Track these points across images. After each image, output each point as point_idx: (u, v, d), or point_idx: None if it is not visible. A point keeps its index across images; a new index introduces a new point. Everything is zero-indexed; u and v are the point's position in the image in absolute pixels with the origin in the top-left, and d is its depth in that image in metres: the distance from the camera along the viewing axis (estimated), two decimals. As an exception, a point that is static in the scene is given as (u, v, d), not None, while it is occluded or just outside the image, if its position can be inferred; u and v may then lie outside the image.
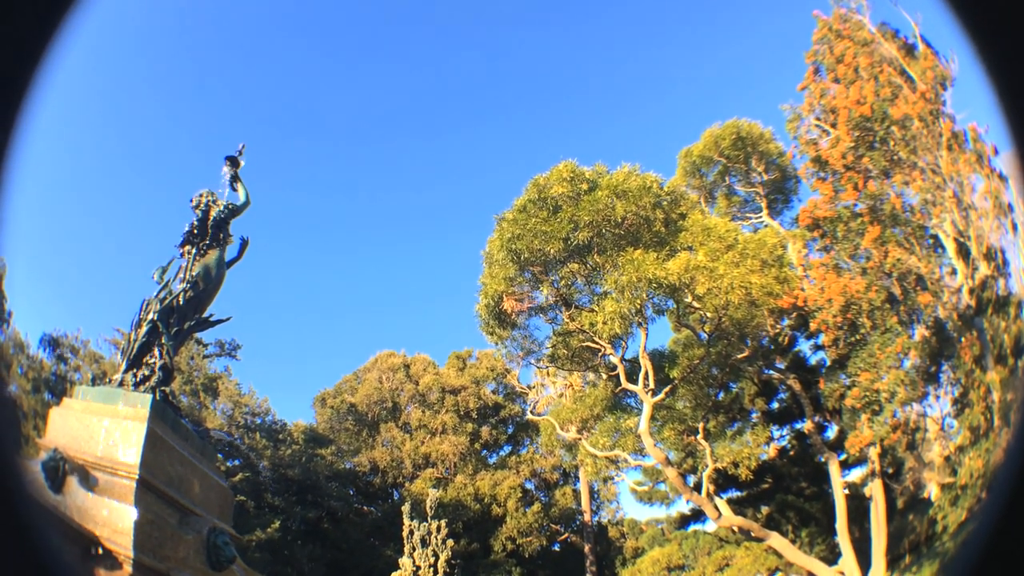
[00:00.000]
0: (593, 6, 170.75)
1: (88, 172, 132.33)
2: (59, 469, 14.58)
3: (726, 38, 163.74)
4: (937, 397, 43.60)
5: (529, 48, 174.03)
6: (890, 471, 45.51)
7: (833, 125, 44.50)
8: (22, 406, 51.83)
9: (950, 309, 41.07)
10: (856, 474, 52.68)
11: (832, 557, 48.38)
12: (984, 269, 39.57)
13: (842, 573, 43.77)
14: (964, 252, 40.67)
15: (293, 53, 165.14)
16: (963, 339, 39.40)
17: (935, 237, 42.71)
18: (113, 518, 14.37)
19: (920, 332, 42.08)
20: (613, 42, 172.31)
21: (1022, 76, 3.13)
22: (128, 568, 13.95)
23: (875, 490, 44.88)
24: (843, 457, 48.78)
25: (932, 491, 42.43)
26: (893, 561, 43.78)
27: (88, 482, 14.98)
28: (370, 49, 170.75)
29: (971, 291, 40.17)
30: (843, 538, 45.11)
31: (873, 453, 43.99)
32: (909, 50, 44.47)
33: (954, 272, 41.76)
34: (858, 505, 48.67)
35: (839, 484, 47.52)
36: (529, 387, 67.56)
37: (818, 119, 46.27)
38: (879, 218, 42.31)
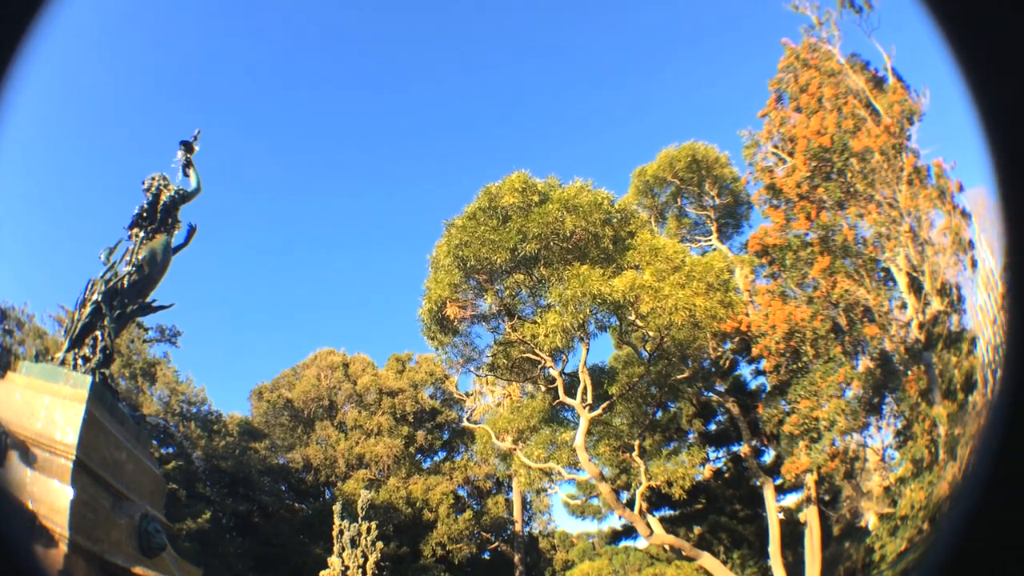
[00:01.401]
0: (565, 26, 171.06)
1: (40, 146, 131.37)
2: (1, 442, 14.48)
3: (689, 62, 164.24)
4: (879, 428, 44.10)
5: (492, 60, 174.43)
6: (826, 498, 46.02)
7: (790, 154, 45.03)
8: None
9: (897, 342, 41.50)
10: (792, 499, 53.15)
11: (762, 579, 48.67)
12: (936, 304, 40.02)
13: (773, 596, 44.10)
14: (916, 287, 41.12)
15: (251, 46, 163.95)
16: (909, 372, 39.91)
17: (887, 270, 43.17)
18: (51, 496, 14.34)
19: (864, 363, 42.54)
20: (578, 60, 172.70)
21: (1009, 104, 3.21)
22: (63, 547, 13.90)
23: (810, 516, 45.41)
24: (779, 482, 49.24)
25: (870, 520, 42.75)
26: (828, 585, 44.13)
27: (28, 458, 14.89)
28: (335, 49, 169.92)
29: (921, 325, 40.63)
30: (775, 561, 45.63)
31: (810, 480, 44.47)
32: (878, 83, 44.82)
33: (904, 306, 42.13)
34: (792, 530, 49.11)
35: (773, 508, 48.08)
36: (467, 394, 67.56)
37: (776, 147, 46.79)
38: (830, 248, 42.83)
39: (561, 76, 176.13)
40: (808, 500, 46.15)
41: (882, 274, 43.63)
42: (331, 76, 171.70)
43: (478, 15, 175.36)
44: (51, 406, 16.09)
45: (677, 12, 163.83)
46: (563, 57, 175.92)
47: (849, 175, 42.67)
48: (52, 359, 19.54)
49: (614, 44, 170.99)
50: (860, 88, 44.03)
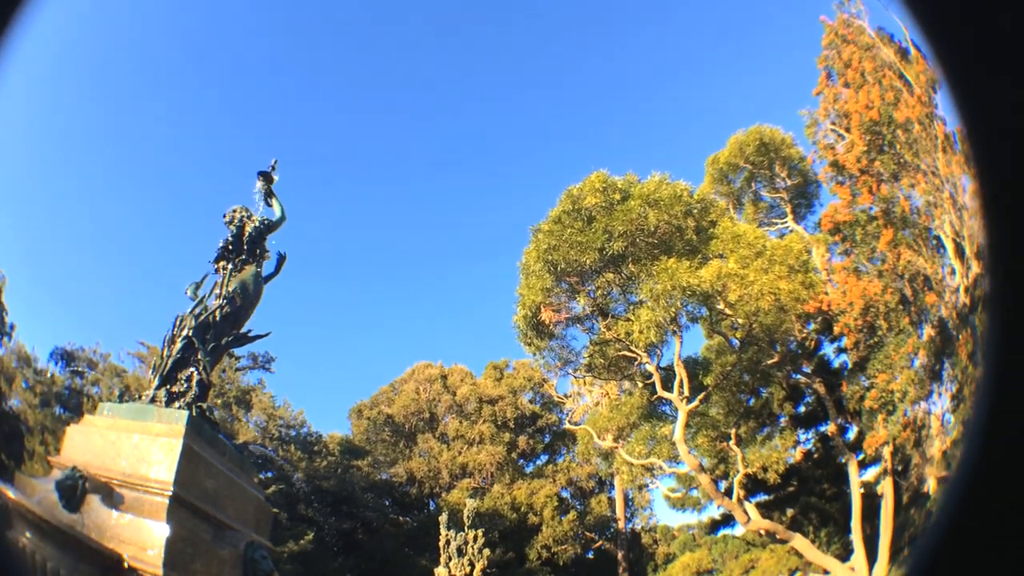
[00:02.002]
0: (612, 21, 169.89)
1: (107, 190, 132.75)
2: (77, 487, 14.08)
3: (747, 43, 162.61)
4: (940, 394, 43.47)
5: (559, 61, 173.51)
6: (899, 468, 45.38)
7: (847, 129, 44.48)
8: (27, 420, 51.85)
9: (950, 308, 40.95)
10: (871, 473, 52.44)
11: (846, 554, 48.31)
12: (976, 268, 39.40)
13: (853, 569, 43.79)
14: (960, 252, 40.57)
15: (340, 66, 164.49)
16: (960, 336, 39.27)
17: (938, 238, 42.58)
18: (141, 536, 13.93)
19: (927, 332, 41.97)
20: (635, 51, 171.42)
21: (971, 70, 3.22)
22: (154, 586, 13.67)
23: (886, 487, 44.93)
24: (861, 457, 48.49)
25: (930, 485, 42.21)
26: (896, 554, 43.58)
27: (112, 500, 14.49)
28: (412, 56, 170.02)
29: (966, 289, 40.01)
30: (856, 535, 45.07)
31: (886, 452, 43.91)
32: (903, 54, 44.27)
33: (953, 272, 41.61)
34: (871, 503, 48.41)
35: (856, 484, 47.52)
36: (566, 396, 67.55)
37: (833, 123, 46.23)
38: (892, 221, 42.38)
39: (619, 74, 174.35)
40: (885, 472, 45.66)
41: (934, 242, 43.13)
42: (420, 88, 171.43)
43: (528, 20, 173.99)
44: (141, 444, 15.66)
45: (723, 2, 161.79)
46: (618, 56, 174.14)
47: (898, 146, 42.31)
48: (140, 397, 19.23)
49: (664, 37, 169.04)
50: (892, 60, 43.58)
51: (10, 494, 13.81)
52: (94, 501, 14.32)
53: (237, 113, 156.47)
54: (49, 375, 59.00)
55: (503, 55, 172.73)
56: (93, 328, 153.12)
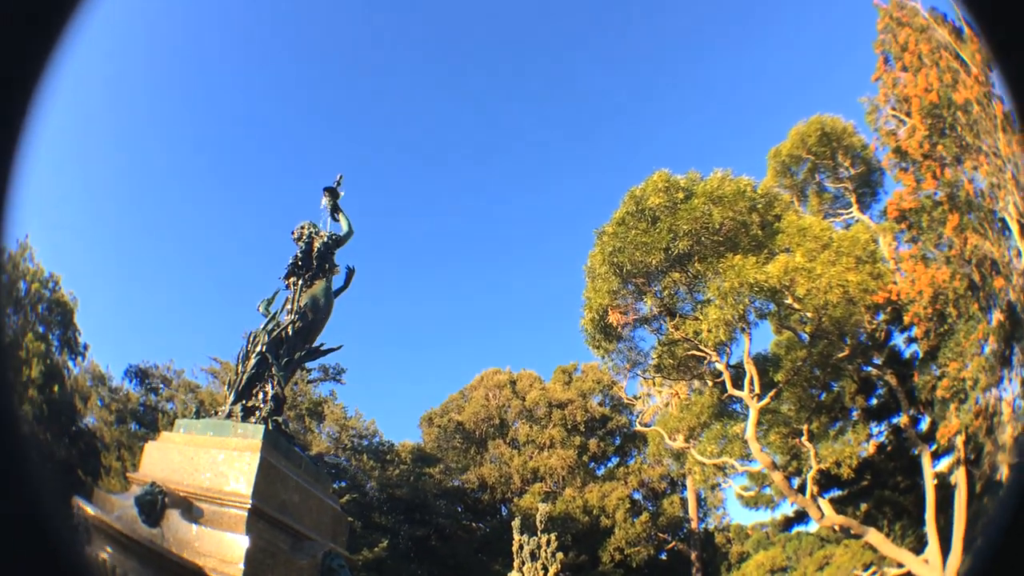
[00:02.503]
0: (669, 16, 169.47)
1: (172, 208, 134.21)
2: (157, 503, 14.38)
3: (799, 34, 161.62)
4: (1010, 380, 43.15)
5: (615, 62, 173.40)
6: (972, 457, 45.11)
7: (908, 114, 44.11)
8: (103, 437, 52.61)
9: (1018, 291, 40.63)
10: (944, 463, 52.11)
11: (920, 547, 47.85)
12: (1044, 248, 39.13)
13: (927, 561, 43.54)
14: (1026, 234, 40.24)
15: (390, 70, 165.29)
16: (1029, 321, 39.03)
17: (1003, 220, 42.23)
18: (222, 548, 14.11)
19: (996, 317, 41.65)
20: (688, 47, 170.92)
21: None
22: (236, 596, 13.88)
23: (959, 477, 44.54)
24: (934, 448, 48.16)
25: (1003, 473, 41.94)
26: (970, 544, 43.28)
27: (192, 514, 14.72)
28: (466, 66, 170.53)
29: (1034, 273, 39.70)
30: (930, 527, 44.81)
31: (959, 441, 43.63)
32: (958, 34, 43.88)
33: (1020, 254, 41.31)
34: (945, 494, 48.06)
35: (930, 475, 47.25)
36: (635, 398, 67.25)
37: (894, 109, 45.83)
38: (957, 205, 41.97)
39: (676, 72, 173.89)
40: (958, 462, 45.20)
41: (999, 224, 42.74)
42: (488, 95, 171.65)
43: (591, 25, 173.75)
44: (219, 459, 15.97)
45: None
46: (678, 53, 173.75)
47: (959, 129, 41.83)
48: (216, 413, 19.46)
49: (715, 29, 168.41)
50: (947, 41, 43.18)
51: (89, 510, 14.10)
52: (173, 516, 14.56)
53: (301, 134, 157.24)
54: (124, 393, 60.25)
55: (567, 56, 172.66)
56: (166, 346, 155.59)
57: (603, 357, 47.74)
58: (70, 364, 55.63)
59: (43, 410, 48.60)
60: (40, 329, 52.32)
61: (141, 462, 17.15)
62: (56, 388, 50.76)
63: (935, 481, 47.39)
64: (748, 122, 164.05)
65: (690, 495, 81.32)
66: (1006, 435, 41.46)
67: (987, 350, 40.70)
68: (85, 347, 55.59)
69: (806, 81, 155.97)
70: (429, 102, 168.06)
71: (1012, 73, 3.23)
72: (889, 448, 59.14)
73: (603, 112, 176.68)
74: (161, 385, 63.14)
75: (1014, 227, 40.64)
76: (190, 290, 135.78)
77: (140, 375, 62.45)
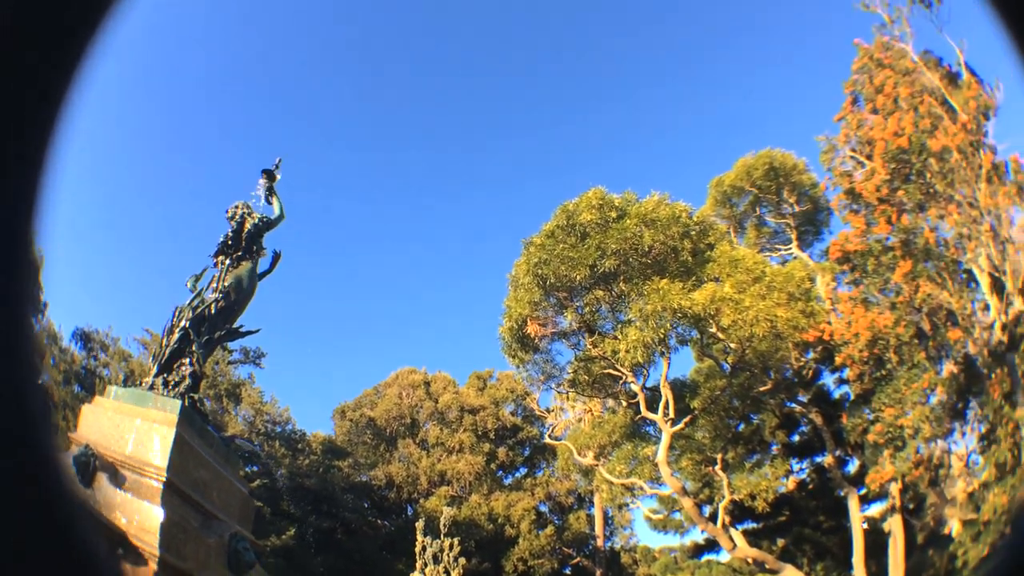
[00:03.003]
0: (629, 31, 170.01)
1: (124, 170, 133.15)
2: (90, 465, 14.99)
3: (761, 68, 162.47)
4: (963, 434, 43.67)
5: (565, 71, 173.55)
6: (911, 507, 45.69)
7: (869, 157, 44.57)
8: (53, 396, 52.73)
9: (981, 345, 41.07)
10: (876, 509, 52.61)
11: (845, 591, 48.53)
12: (1019, 304, 39.51)
13: (856, 607, 43.99)
14: (999, 287, 40.68)
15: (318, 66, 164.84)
16: (993, 375, 39.44)
17: (968, 272, 42.72)
18: (141, 516, 14.75)
19: (948, 368, 42.19)
20: (648, 68, 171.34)
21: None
22: (153, 565, 14.31)
23: (894, 525, 45.17)
24: (863, 492, 48.73)
25: (953, 527, 42.40)
26: (909, 595, 43.94)
27: (117, 480, 15.34)
28: (407, 69, 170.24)
29: (1004, 327, 40.15)
30: (860, 572, 45.49)
31: (894, 488, 44.22)
32: (952, 79, 44.30)
33: (987, 308, 41.82)
34: (876, 540, 48.74)
35: (858, 519, 47.90)
36: (548, 411, 67.56)
37: (853, 150, 46.32)
38: (911, 252, 42.42)
39: (634, 90, 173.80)
40: (892, 509, 45.83)
41: (964, 276, 43.04)
42: (417, 96, 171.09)
43: (541, 36, 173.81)
44: (141, 429, 16.53)
45: (748, 19, 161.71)
46: (633, 71, 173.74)
47: (928, 176, 42.15)
48: (141, 383, 19.87)
49: (682, 56, 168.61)
50: (935, 86, 43.56)
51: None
52: (103, 479, 15.27)
53: (248, 109, 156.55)
54: (70, 354, 60.37)
55: (508, 68, 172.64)
56: (112, 311, 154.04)
57: (519, 367, 47.86)
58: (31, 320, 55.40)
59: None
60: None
61: (79, 424, 17.62)
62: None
63: (865, 526, 48.12)
64: (695, 150, 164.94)
65: (597, 512, 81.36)
66: (957, 490, 42.13)
67: (934, 400, 41.32)
68: (45, 305, 55.72)
69: (760, 116, 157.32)
70: (357, 95, 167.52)
71: None
72: (811, 486, 59.92)
73: (549, 128, 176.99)
74: (100, 350, 63.10)
75: (984, 280, 41.24)
76: (135, 258, 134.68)
77: (84, 338, 62.43)
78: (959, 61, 44.32)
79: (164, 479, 15.57)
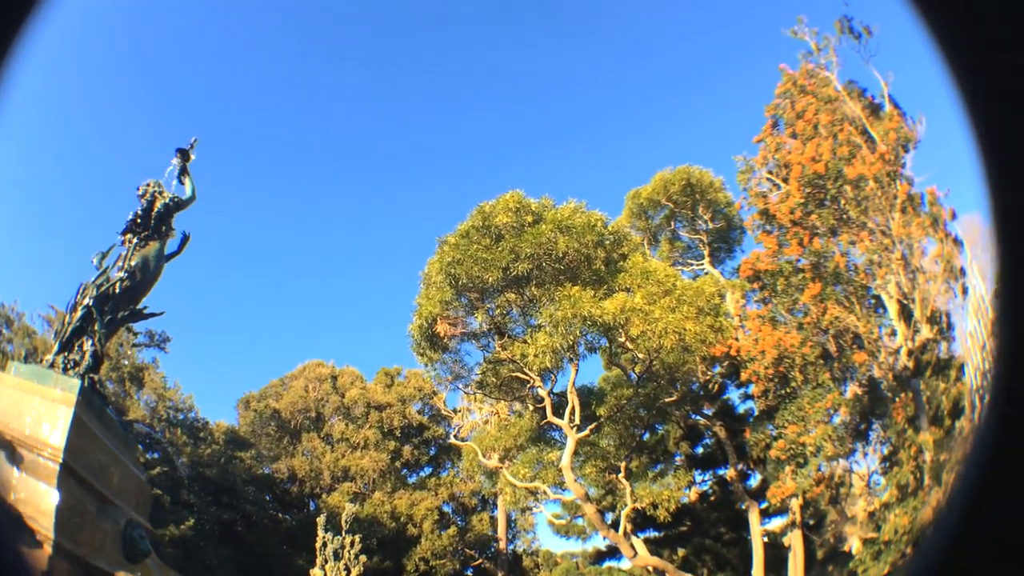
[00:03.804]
0: (561, 37, 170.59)
1: (30, 142, 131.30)
2: (-13, 441, 14.65)
3: (685, 84, 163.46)
4: (865, 454, 44.20)
5: (491, 73, 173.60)
6: (811, 523, 46.12)
7: (785, 180, 45.05)
8: None
9: (886, 369, 41.56)
10: (776, 523, 53.07)
11: (744, 602, 48.82)
12: (926, 332, 40.03)
13: (755, 619, 44.23)
14: (907, 314, 41.17)
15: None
16: (897, 399, 39.87)
17: (877, 298, 43.27)
18: (37, 498, 14.57)
19: (852, 390, 42.73)
20: (574, 75, 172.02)
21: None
22: (48, 549, 14.12)
23: (795, 540, 45.63)
24: (764, 506, 49.40)
25: (853, 545, 42.72)
26: (807, 607, 44.26)
27: (15, 459, 15.13)
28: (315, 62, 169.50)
29: (910, 353, 40.61)
30: (758, 584, 45.45)
31: (795, 504, 44.61)
32: (875, 110, 44.80)
33: (894, 333, 42.22)
34: (776, 554, 49.17)
35: (758, 532, 48.39)
36: (455, 411, 67.51)
37: (770, 173, 46.87)
38: (821, 275, 42.97)
39: (559, 100, 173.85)
40: (793, 524, 46.27)
41: (872, 301, 43.73)
42: (334, 88, 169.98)
43: (477, 39, 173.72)
44: (40, 408, 16.29)
45: (676, 37, 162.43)
46: (561, 81, 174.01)
47: (843, 202, 42.68)
48: (42, 361, 19.79)
49: (614, 70, 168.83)
50: (856, 115, 43.97)
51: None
52: (1, 457, 14.84)
53: (165, 77, 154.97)
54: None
55: (440, 61, 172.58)
56: (12, 285, 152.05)
57: (427, 365, 47.61)
58: None
59: None
60: None
61: (-23, 399, 17.11)
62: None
63: (765, 539, 48.50)
64: (614, 161, 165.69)
65: (500, 515, 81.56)
66: (857, 508, 42.53)
67: (837, 420, 41.74)
68: None
69: (679, 132, 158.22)
70: (282, 97, 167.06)
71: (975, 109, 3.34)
72: (713, 498, 60.43)
73: (473, 128, 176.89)
74: (4, 327, 62.17)
75: (892, 306, 41.90)
76: (42, 230, 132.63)
77: (-12, 312, 61.50)
78: (883, 93, 44.98)
79: (61, 460, 15.40)
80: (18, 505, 14.24)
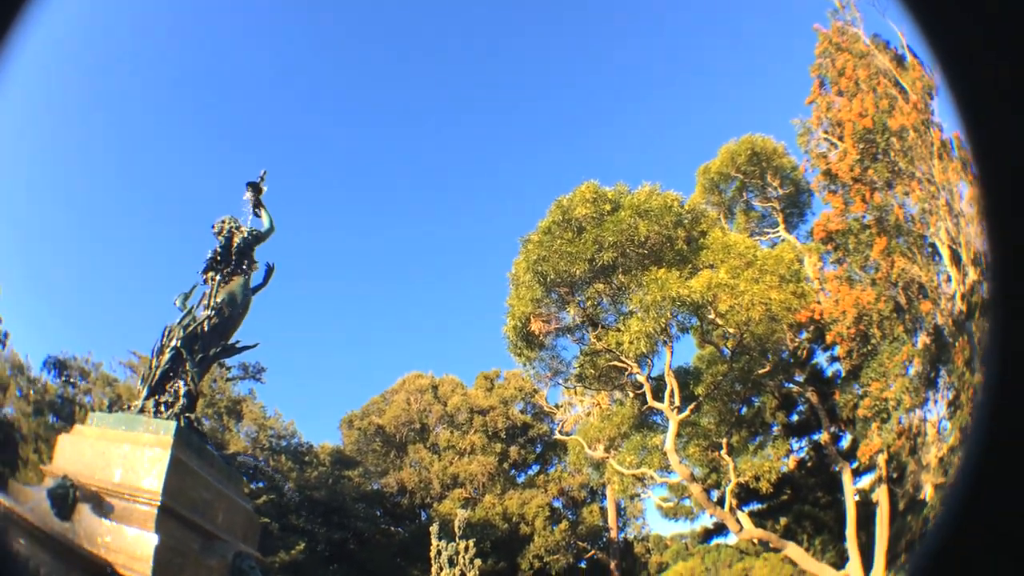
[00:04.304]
0: (605, 26, 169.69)
1: (105, 200, 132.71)
2: (68, 496, 14.34)
3: (737, 53, 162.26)
4: (935, 402, 43.54)
5: (548, 69, 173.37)
6: (895, 476, 45.47)
7: (840, 138, 44.51)
8: (20, 428, 52.03)
9: (947, 315, 41.03)
10: (866, 481, 52.52)
11: (841, 562, 48.26)
12: (972, 274, 39.43)
13: (848, 576, 43.71)
14: (956, 259, 40.63)
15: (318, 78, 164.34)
16: (956, 344, 39.34)
17: (933, 245, 42.68)
18: (130, 545, 14.15)
19: (922, 340, 42.08)
20: (627, 60, 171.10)
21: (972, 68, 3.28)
22: (145, 593, 13.79)
23: (881, 495, 44.92)
24: (855, 465, 48.78)
25: (927, 492, 42.21)
26: (892, 560, 43.58)
27: (102, 509, 14.75)
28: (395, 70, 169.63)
29: (963, 296, 40.06)
30: (851, 543, 45.26)
31: (881, 460, 43.95)
32: (899, 61, 44.35)
33: (949, 279, 41.68)
34: (866, 511, 48.47)
35: (851, 492, 47.85)
36: (557, 407, 67.28)
37: (826, 132, 46.35)
38: (885, 229, 42.54)
39: (614, 85, 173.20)
40: (879, 480, 45.60)
41: (929, 250, 43.23)
42: (411, 93, 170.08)
43: (521, 34, 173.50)
44: (130, 454, 15.90)
45: (716, 11, 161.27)
46: (612, 66, 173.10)
47: (892, 154, 42.38)
48: (129, 408, 19.47)
49: (659, 48, 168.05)
50: (887, 67, 43.56)
51: (3, 501, 14.00)
52: (85, 510, 14.52)
53: (230, 120, 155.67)
54: (42, 384, 59.30)
55: (495, 61, 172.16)
56: (87, 337, 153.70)
57: (525, 365, 47.75)
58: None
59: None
60: (-48, 317, 51.64)
61: (55, 455, 17.12)
62: (-27, 376, 49.82)
63: (857, 498, 47.87)
64: (681, 139, 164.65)
65: (610, 505, 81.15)
66: (930, 455, 41.85)
67: (911, 372, 41.20)
68: (6, 335, 55.02)
69: (740, 101, 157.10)
70: (357, 113, 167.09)
71: (959, 94, 3.30)
72: (809, 464, 59.71)
73: (537, 124, 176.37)
74: (79, 378, 62.21)
75: (945, 252, 41.15)
76: (114, 281, 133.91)
77: (58, 366, 61.47)
78: (903, 44, 44.26)
79: (158, 503, 14.96)
80: (108, 555, 13.88)
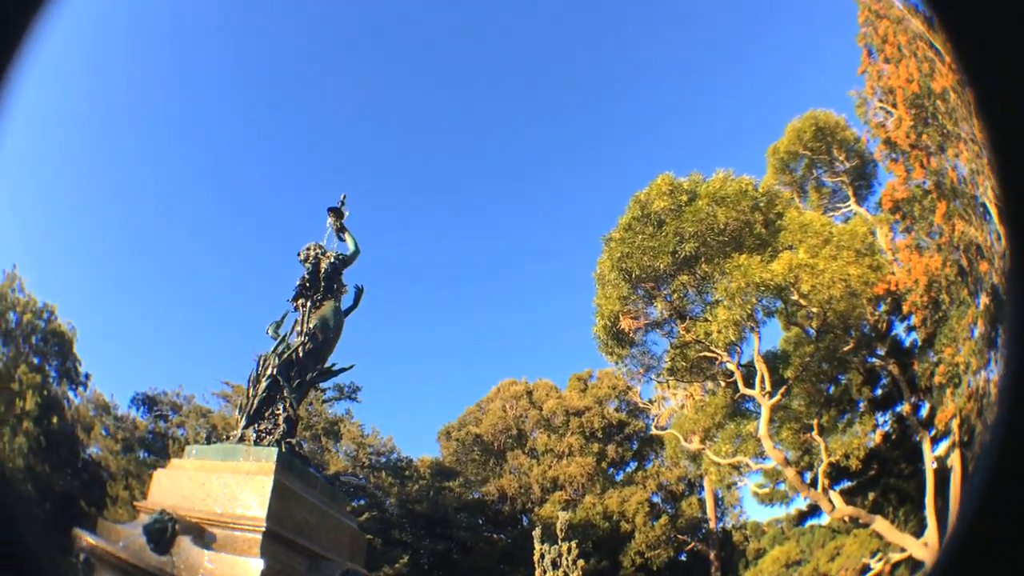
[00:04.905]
0: (645, 19, 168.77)
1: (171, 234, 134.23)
2: (167, 530, 14.11)
3: (789, 30, 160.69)
4: (996, 361, 43.19)
5: (606, 69, 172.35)
6: (965, 439, 45.15)
7: (894, 105, 44.20)
8: (108, 467, 52.56)
9: (1000, 273, 40.64)
10: (942, 447, 52.12)
11: (920, 531, 47.97)
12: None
13: (926, 544, 43.40)
14: (1003, 216, 40.19)
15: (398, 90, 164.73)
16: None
17: (983, 205, 42.27)
18: (234, 572, 13.96)
19: (983, 300, 41.69)
20: (676, 57, 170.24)
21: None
22: (253, 618, 13.65)
23: (955, 460, 44.65)
24: (933, 433, 48.27)
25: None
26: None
27: (203, 540, 14.47)
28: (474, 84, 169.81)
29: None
30: (929, 510, 44.98)
31: (955, 425, 43.60)
32: (930, 23, 43.83)
33: (999, 237, 41.25)
34: (943, 477, 48.15)
35: (929, 460, 47.47)
36: (650, 402, 67.44)
37: (880, 101, 46.05)
38: (943, 193, 42.11)
39: (677, 73, 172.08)
40: (953, 445, 45.30)
41: (981, 209, 42.83)
42: (483, 101, 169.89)
43: (585, 28, 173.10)
44: (231, 483, 15.77)
45: None
46: (664, 56, 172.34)
47: (940, 117, 41.93)
48: (228, 438, 19.50)
49: (706, 32, 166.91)
50: (922, 31, 43.21)
51: (90, 539, 14.03)
52: (184, 542, 14.36)
53: (305, 147, 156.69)
54: (131, 421, 60.35)
55: (554, 60, 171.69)
56: (173, 373, 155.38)
57: (617, 363, 48.05)
58: (70, 394, 56.25)
59: (40, 442, 48.65)
60: (35, 360, 52.65)
61: (150, 490, 17.15)
62: (55, 419, 50.68)
63: (934, 465, 47.56)
64: (744, 121, 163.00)
65: (707, 495, 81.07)
66: (993, 416, 41.44)
67: (976, 333, 40.91)
68: (87, 376, 55.85)
69: (799, 77, 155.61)
70: (433, 125, 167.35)
71: (965, 56, 3.46)
72: (894, 436, 59.17)
73: (605, 122, 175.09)
74: (170, 412, 63.01)
75: (993, 211, 40.69)
76: (196, 316, 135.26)
77: (147, 402, 62.58)
78: (929, 6, 43.81)
79: (262, 529, 14.74)
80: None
